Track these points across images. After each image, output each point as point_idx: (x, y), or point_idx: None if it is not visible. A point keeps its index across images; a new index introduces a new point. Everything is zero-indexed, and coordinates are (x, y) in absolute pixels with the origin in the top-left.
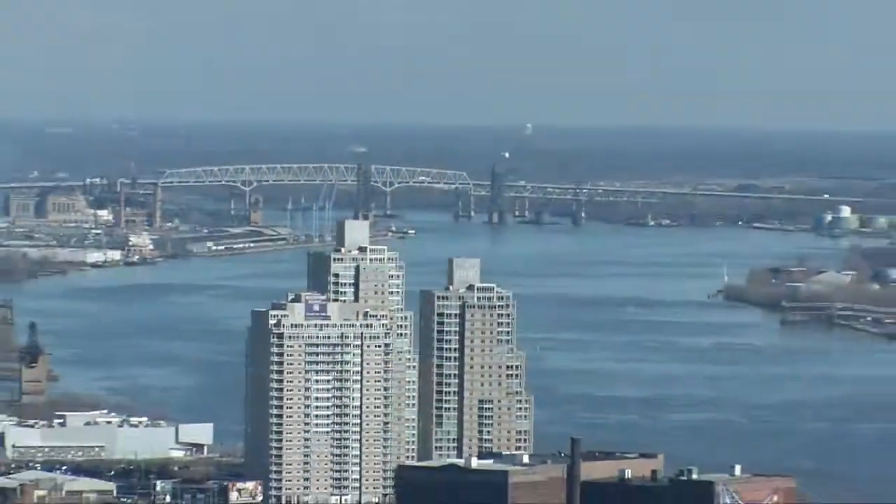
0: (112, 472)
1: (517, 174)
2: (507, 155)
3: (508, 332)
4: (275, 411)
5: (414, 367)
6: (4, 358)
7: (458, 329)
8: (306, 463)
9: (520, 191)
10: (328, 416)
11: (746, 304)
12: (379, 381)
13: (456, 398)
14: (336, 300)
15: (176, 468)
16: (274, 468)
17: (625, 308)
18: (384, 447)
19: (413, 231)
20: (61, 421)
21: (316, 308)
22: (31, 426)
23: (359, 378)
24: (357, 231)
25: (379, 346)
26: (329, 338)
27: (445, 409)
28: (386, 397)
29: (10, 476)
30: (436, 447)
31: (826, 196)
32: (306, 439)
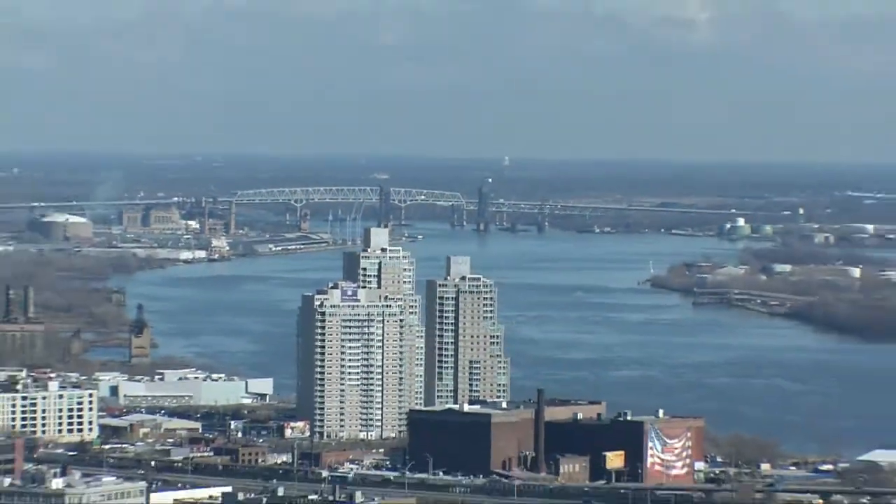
0: (198, 415)
1: (497, 194)
2: (490, 180)
3: (491, 311)
4: (318, 369)
5: (421, 336)
6: (118, 330)
7: (454, 308)
8: (342, 407)
9: (499, 206)
10: (357, 373)
11: (667, 290)
12: (395, 346)
13: (452, 359)
14: (364, 287)
15: (245, 412)
16: (318, 411)
17: (576, 293)
18: (399, 396)
19: (421, 236)
20: (160, 377)
21: (349, 293)
22: (138, 381)
23: (380, 345)
24: (379, 236)
25: (395, 321)
26: (358, 315)
27: (444, 367)
28: (400, 359)
29: (122, 418)
30: (437, 396)
31: (732, 210)
32: (342, 390)
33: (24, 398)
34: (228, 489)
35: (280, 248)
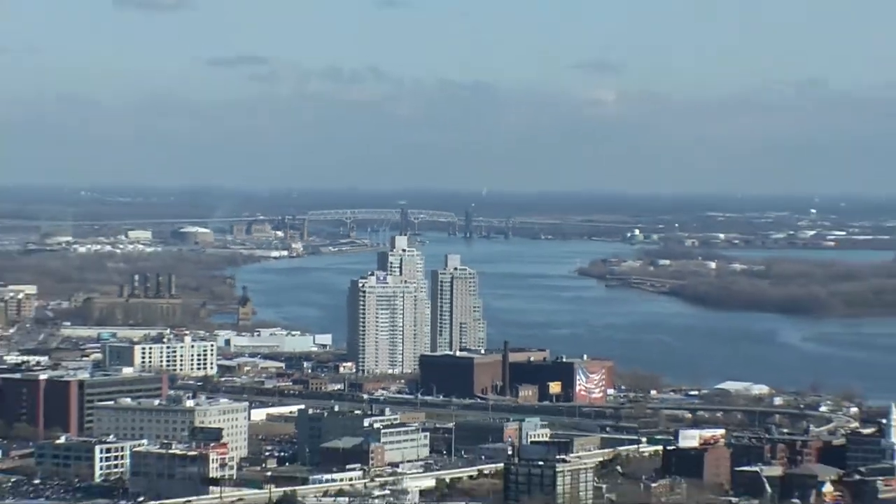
0: (282, 358)
1: (478, 214)
2: (473, 205)
3: (474, 290)
4: (361, 328)
5: (428, 307)
6: (230, 303)
7: (449, 289)
8: (376, 353)
9: (479, 222)
10: (386, 330)
11: (588, 277)
12: (411, 313)
13: (448, 322)
14: (390, 274)
15: (313, 356)
16: (360, 356)
17: (529, 279)
18: (413, 345)
19: (427, 241)
20: (258, 333)
21: (381, 278)
22: (243, 336)
23: (401, 312)
24: (400, 242)
25: (411, 297)
26: (387, 293)
27: (443, 327)
28: (414, 321)
29: (232, 360)
30: (439, 345)
31: (631, 224)
32: (376, 341)
33: (168, 347)
34: (302, 406)
35: (336, 249)
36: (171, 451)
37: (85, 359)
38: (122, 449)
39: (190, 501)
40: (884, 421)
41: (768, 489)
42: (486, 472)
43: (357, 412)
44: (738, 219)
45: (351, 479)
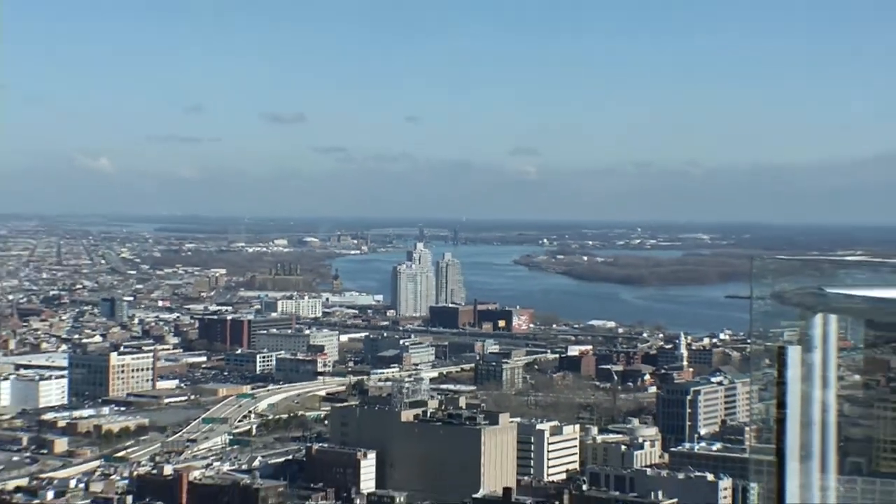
0: (357, 307)
1: (461, 231)
2: (458, 227)
3: (459, 272)
4: (398, 292)
5: (434, 280)
6: (328, 279)
7: (445, 271)
8: (406, 305)
9: (462, 236)
10: (412, 293)
11: (519, 265)
12: (424, 284)
13: (445, 288)
14: (414, 263)
15: (373, 307)
16: (398, 307)
17: (487, 266)
18: (426, 301)
19: (433, 246)
20: (343, 294)
21: (409, 265)
22: (335, 296)
23: (420, 284)
24: (419, 246)
25: (425, 275)
26: (412, 273)
27: (441, 291)
28: (426, 289)
29: (329, 309)
30: (438, 301)
31: (541, 235)
32: (406, 299)
33: (295, 302)
34: (367, 333)
35: (385, 250)
36: (297, 357)
37: (252, 308)
38: (271, 357)
39: (307, 385)
40: (677, 341)
41: (615, 378)
42: (465, 368)
43: (396, 336)
44: (600, 234)
45: (392, 373)
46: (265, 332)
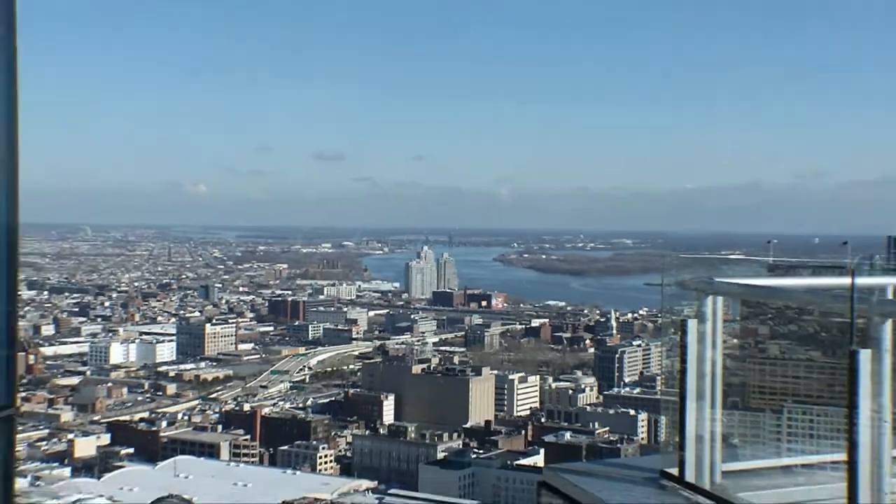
0: (380, 292)
1: (455, 237)
2: (452, 233)
3: (454, 266)
4: (410, 280)
5: (436, 272)
6: (361, 271)
7: (444, 265)
8: (415, 290)
9: (457, 240)
10: (420, 281)
11: (497, 262)
12: (430, 275)
13: (444, 277)
14: (421, 259)
15: (392, 291)
16: (410, 291)
17: (475, 262)
18: (430, 287)
19: (434, 247)
20: (371, 282)
21: (417, 261)
22: (365, 283)
23: (425, 275)
24: (425, 248)
25: (430, 268)
26: (420, 267)
27: (441, 279)
28: (431, 278)
29: (360, 292)
30: (440, 287)
31: (517, 242)
32: (415, 285)
33: (335, 287)
34: (388, 311)
35: (399, 251)
36: (337, 327)
37: (305, 292)
38: (319, 327)
39: (345, 347)
40: (608, 315)
41: (565, 342)
42: (458, 335)
43: (408, 313)
44: (553, 239)
45: (405, 339)
46: (315, 309)
